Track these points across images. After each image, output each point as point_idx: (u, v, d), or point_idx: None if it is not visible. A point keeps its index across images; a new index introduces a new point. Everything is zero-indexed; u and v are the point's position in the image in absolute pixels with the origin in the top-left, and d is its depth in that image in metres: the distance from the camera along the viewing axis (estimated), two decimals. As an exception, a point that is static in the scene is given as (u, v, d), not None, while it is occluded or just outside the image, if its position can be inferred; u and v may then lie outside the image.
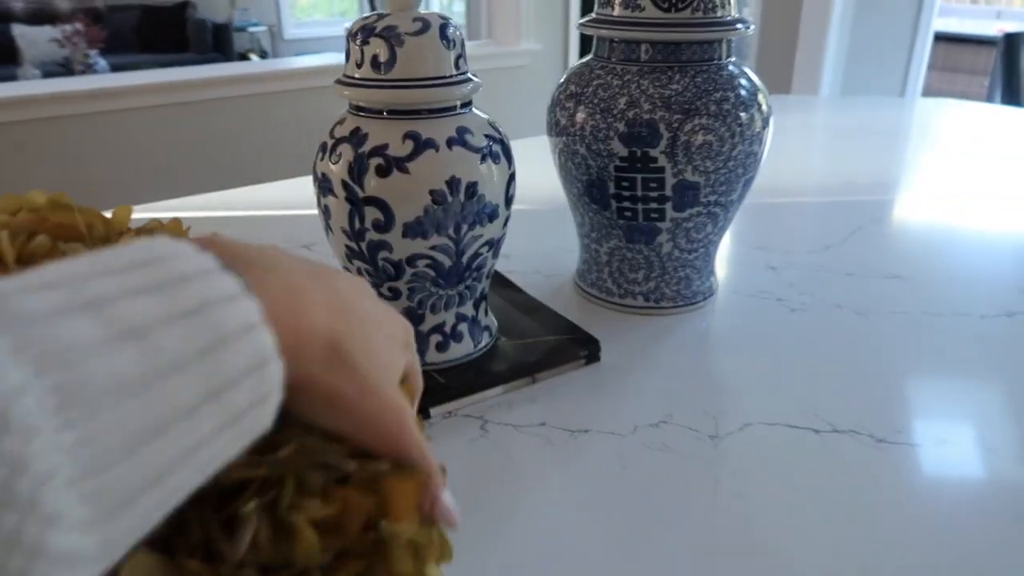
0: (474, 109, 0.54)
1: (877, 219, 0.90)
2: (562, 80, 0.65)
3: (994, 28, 5.01)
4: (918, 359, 0.61)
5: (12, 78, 3.60)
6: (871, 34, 3.27)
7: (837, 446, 0.50)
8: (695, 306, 0.68)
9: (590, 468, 0.48)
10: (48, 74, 3.80)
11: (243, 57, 5.19)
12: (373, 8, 5.72)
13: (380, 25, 0.49)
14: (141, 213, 0.94)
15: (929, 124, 1.51)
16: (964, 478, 0.47)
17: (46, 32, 4.32)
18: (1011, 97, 2.40)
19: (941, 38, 4.82)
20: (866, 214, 0.92)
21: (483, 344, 0.58)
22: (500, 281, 0.70)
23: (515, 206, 0.57)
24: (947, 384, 0.58)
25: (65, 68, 3.98)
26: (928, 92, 4.80)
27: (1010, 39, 2.40)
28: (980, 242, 0.86)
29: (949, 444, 0.50)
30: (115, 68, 3.90)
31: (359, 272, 0.54)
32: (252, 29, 5.52)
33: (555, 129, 0.65)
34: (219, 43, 5.08)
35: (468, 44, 2.61)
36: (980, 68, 4.76)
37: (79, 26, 3.90)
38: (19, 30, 4.51)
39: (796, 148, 1.28)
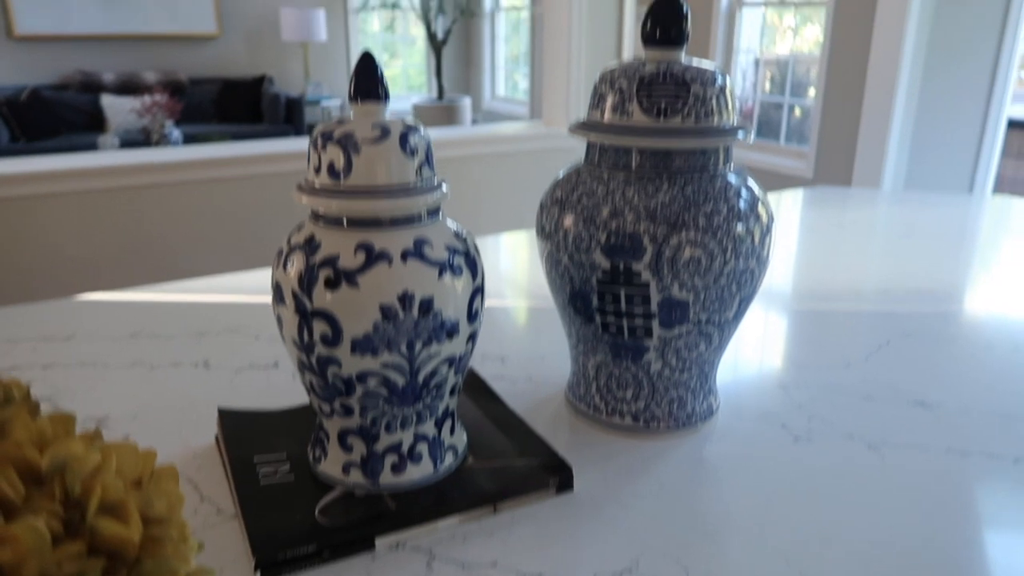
0: (444, 217, 0.52)
1: (909, 333, 0.83)
2: (551, 184, 0.63)
3: (1074, 116, 4.82)
4: (931, 508, 0.54)
5: (93, 145, 3.83)
6: (937, 123, 3.18)
7: (822, 615, 0.44)
8: (690, 429, 0.63)
9: (533, 624, 0.43)
10: (127, 142, 4.03)
11: (312, 129, 5.41)
12: (440, 85, 5.91)
13: (338, 132, 0.48)
14: (200, 293, 0.95)
15: (994, 226, 1.43)
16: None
17: (129, 102, 4.60)
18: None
19: (1018, 124, 4.66)
20: (898, 327, 0.85)
21: (446, 465, 0.54)
22: (481, 390, 0.67)
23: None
24: (959, 542, 0.50)
25: (144, 136, 4.21)
26: (1003, 181, 4.63)
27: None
28: (1025, 364, 0.78)
29: (956, 623, 0.43)
30: (190, 137, 4.11)
31: (310, 385, 0.51)
32: (325, 103, 5.77)
33: (542, 234, 0.62)
34: (291, 115, 5.31)
35: (521, 124, 2.66)
36: (1060, 157, 4.56)
37: (158, 98, 4.14)
38: (107, 100, 4.82)
39: (840, 248, 1.22)
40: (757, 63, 4.29)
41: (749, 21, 4.17)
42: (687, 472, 0.58)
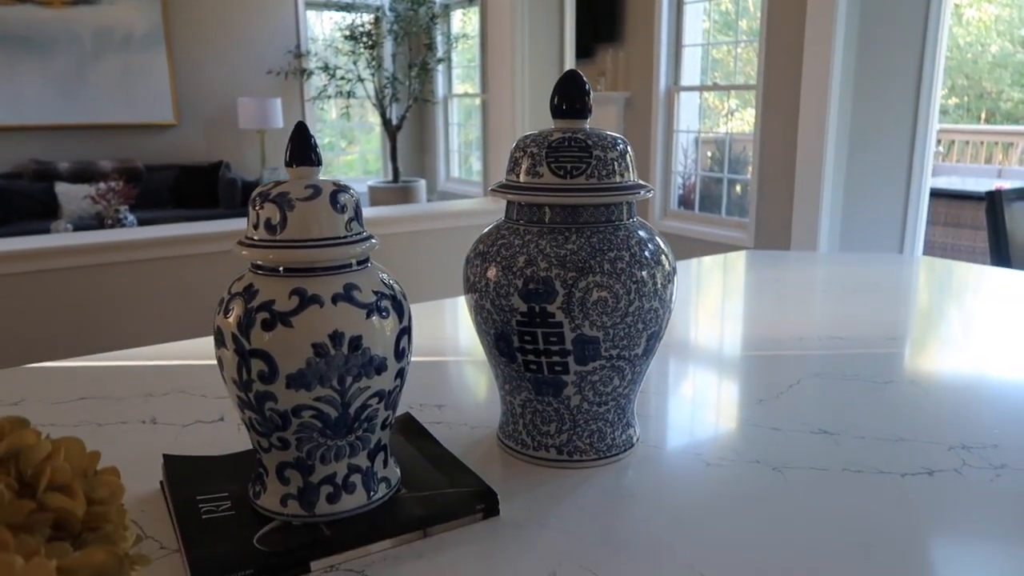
0: (374, 266, 0.58)
1: (818, 373, 0.91)
2: (475, 240, 0.69)
3: (994, 185, 5.15)
4: (827, 518, 0.59)
5: (46, 231, 3.83)
6: (865, 196, 3.38)
7: (718, 610, 0.48)
8: (610, 459, 0.68)
9: (454, 629, 0.47)
10: (79, 227, 4.04)
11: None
12: (396, 170, 6.07)
13: (275, 192, 0.54)
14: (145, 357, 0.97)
15: (912, 282, 1.54)
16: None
17: (83, 189, 4.63)
18: (999, 256, 2.43)
19: (942, 195, 4.96)
20: (809, 369, 0.92)
21: (378, 496, 0.58)
22: (417, 431, 0.71)
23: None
24: (850, 546, 0.56)
25: (98, 222, 4.23)
26: (932, 246, 4.89)
27: (992, 197, 2.46)
28: (921, 399, 0.85)
29: (835, 610, 0.48)
30: (145, 222, 4.13)
31: (249, 421, 0.55)
32: (280, 187, 5.84)
33: (467, 285, 0.68)
34: (247, 199, 5.37)
35: (471, 201, 2.77)
36: (982, 223, 4.84)
37: (113, 184, 4.18)
38: (61, 187, 4.84)
39: (766, 303, 1.30)
40: (697, 141, 4.53)
41: (687, 103, 4.41)
42: (606, 496, 0.62)
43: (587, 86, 0.67)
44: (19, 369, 0.95)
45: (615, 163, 0.65)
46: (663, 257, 0.66)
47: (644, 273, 0.63)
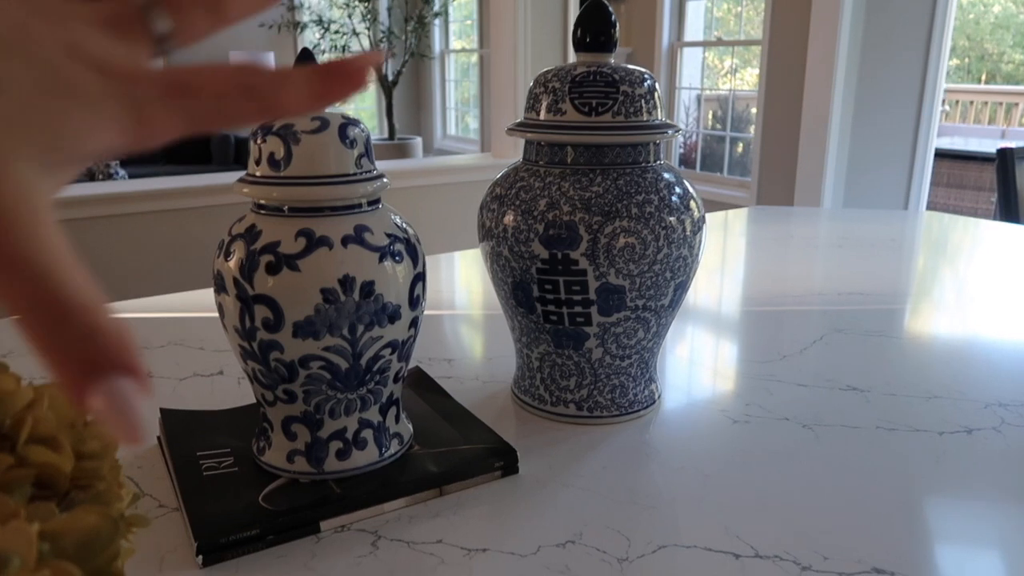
0: (386, 207, 0.53)
1: (841, 329, 0.87)
2: (490, 185, 0.65)
3: (998, 146, 5.09)
4: (862, 478, 0.56)
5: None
6: (870, 156, 3.32)
7: (757, 573, 0.45)
8: (632, 415, 0.65)
9: (477, 594, 0.44)
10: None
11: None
12: (392, 127, 5.96)
13: (278, 124, 0.49)
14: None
15: (921, 236, 1.50)
16: (895, 615, 0.42)
17: (74, 144, 4.53)
18: (1008, 213, 2.39)
19: (945, 155, 4.90)
20: (831, 324, 0.89)
21: (391, 452, 0.55)
22: (428, 386, 0.68)
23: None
24: (887, 506, 0.53)
25: (88, 177, 4.14)
26: (935, 207, 4.84)
27: (1004, 154, 2.42)
28: (950, 356, 0.82)
29: None
30: (135, 178, 4.05)
31: (252, 373, 0.51)
32: (274, 144, 5.75)
33: (482, 232, 0.64)
34: (240, 156, 5.29)
35: (471, 156, 2.72)
36: (986, 184, 4.80)
37: (104, 139, 4.08)
38: (51, 143, 4.73)
39: (780, 258, 1.26)
40: (699, 99, 4.44)
41: (689, 60, 4.32)
42: (629, 454, 0.59)
43: (613, 16, 0.62)
44: (5, 321, 0.91)
45: (643, 100, 0.60)
46: (692, 202, 0.62)
47: (673, 219, 0.59)
